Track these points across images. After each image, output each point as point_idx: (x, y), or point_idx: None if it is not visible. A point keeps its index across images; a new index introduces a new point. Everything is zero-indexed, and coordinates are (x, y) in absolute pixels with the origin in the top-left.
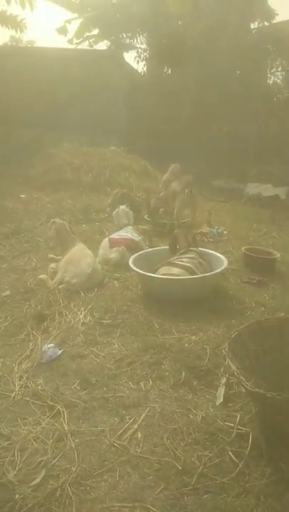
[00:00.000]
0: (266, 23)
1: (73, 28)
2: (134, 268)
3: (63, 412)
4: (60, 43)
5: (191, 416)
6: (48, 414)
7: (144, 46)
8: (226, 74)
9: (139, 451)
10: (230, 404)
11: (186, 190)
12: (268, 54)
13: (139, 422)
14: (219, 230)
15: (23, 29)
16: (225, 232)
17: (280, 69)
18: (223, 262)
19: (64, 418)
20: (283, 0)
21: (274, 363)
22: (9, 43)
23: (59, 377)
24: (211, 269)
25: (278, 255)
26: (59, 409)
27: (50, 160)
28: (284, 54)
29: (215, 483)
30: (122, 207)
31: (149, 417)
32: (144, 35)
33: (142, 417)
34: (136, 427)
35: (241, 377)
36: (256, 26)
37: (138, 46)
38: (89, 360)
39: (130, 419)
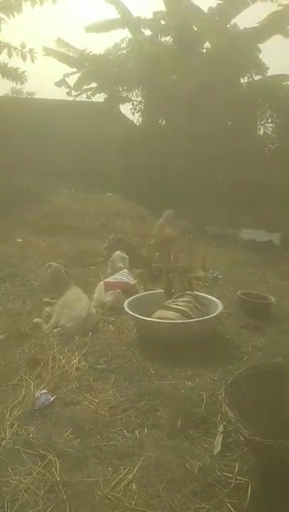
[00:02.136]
0: (257, 77)
1: (72, 81)
2: (129, 312)
3: (55, 462)
4: (59, 94)
5: (188, 466)
6: (39, 464)
7: (139, 99)
8: (218, 125)
9: (133, 503)
10: (228, 454)
11: (186, 236)
12: (257, 106)
13: (134, 472)
14: (214, 274)
15: (23, 81)
16: (220, 277)
17: (269, 120)
18: (219, 305)
19: (56, 468)
20: (274, 54)
21: (272, 409)
22: (10, 94)
23: (51, 424)
24: (207, 313)
25: (274, 300)
26: (51, 458)
27: (48, 205)
28: (273, 106)
29: None
30: (117, 252)
31: (144, 467)
32: (140, 88)
33: (136, 467)
34: (130, 477)
35: (238, 425)
36: (246, 80)
37: (134, 99)
38: (82, 407)
39: (124, 469)
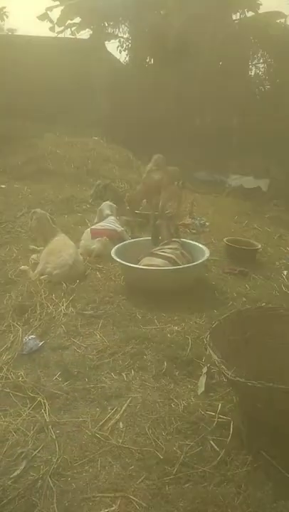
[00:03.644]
0: (249, 14)
1: (55, 16)
2: (117, 259)
3: (44, 404)
4: (42, 31)
5: (173, 405)
6: (28, 406)
7: (126, 35)
8: (209, 65)
9: (120, 441)
10: (212, 394)
11: (176, 183)
12: (249, 45)
13: (121, 412)
14: (201, 222)
15: (3, 17)
16: (207, 224)
17: (261, 60)
18: (205, 252)
19: (45, 409)
20: None
21: (255, 353)
22: None
23: (40, 368)
24: (193, 260)
25: (259, 246)
26: (40, 400)
27: (31, 150)
28: (265, 46)
29: (196, 472)
30: (105, 201)
31: (131, 408)
32: (127, 24)
33: (123, 408)
34: (118, 417)
35: (222, 367)
36: (238, 17)
37: (120, 36)
38: (70, 352)
39: (112, 409)
